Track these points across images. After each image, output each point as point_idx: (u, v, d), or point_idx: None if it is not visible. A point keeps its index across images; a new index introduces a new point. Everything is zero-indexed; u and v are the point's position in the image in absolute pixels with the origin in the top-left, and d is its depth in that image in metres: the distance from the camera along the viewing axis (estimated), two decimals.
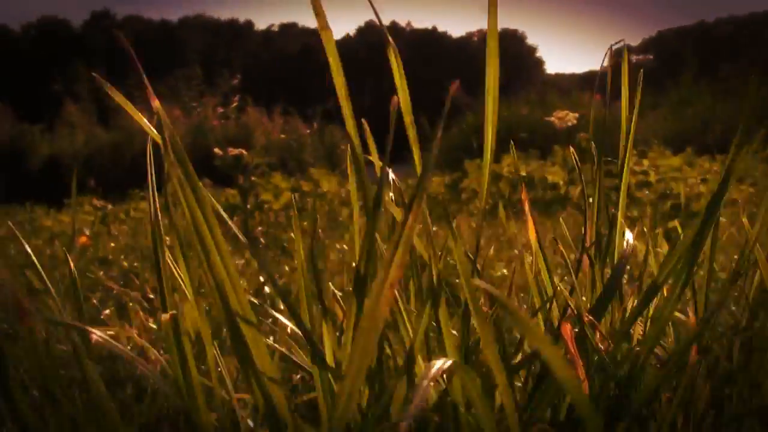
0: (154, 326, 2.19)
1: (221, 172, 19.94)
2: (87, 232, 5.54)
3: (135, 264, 3.82)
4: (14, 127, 22.30)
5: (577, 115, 6.03)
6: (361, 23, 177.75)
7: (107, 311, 2.71)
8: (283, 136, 23.23)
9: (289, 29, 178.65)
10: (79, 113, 23.01)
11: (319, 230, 4.00)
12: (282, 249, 3.69)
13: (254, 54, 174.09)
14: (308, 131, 23.78)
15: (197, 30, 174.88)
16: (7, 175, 21.75)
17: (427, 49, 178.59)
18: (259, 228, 4.18)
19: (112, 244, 4.82)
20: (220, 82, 24.88)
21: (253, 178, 4.35)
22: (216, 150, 5.00)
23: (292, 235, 4.10)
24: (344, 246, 3.20)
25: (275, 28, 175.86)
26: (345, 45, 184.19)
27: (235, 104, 24.06)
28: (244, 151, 4.37)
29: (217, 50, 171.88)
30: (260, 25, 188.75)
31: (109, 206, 7.84)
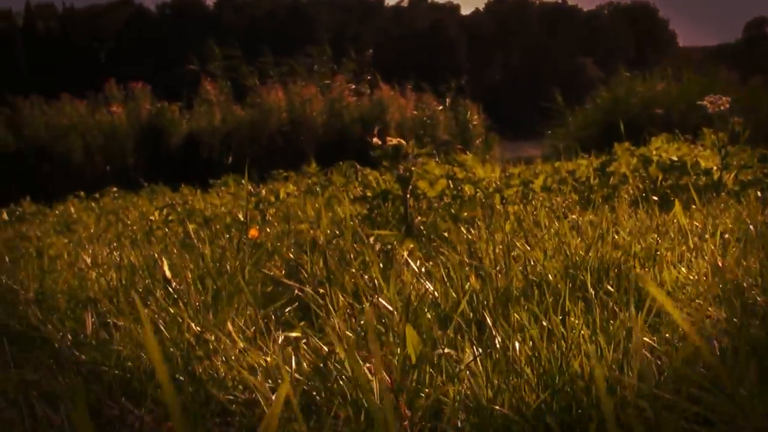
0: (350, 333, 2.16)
1: (355, 148, 20.03)
2: (240, 215, 5.56)
3: (290, 251, 3.80)
4: (153, 106, 22.74)
5: (729, 99, 5.83)
6: None
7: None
8: (416, 112, 23.18)
9: (419, 5, 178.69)
10: (216, 91, 23.33)
11: (477, 220, 3.93)
12: (443, 239, 3.62)
13: (384, 30, 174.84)
14: (440, 107, 23.67)
15: (327, 7, 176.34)
16: (147, 153, 22.25)
17: (556, 23, 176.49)
18: (419, 218, 4.12)
19: (268, 230, 4.83)
20: (349, 60, 24.90)
21: (413, 168, 4.29)
22: (374, 140, 4.94)
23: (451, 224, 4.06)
24: (505, 236, 3.13)
25: (404, 4, 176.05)
26: (474, 20, 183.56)
27: (368, 79, 24.09)
28: (402, 141, 4.30)
29: (347, 27, 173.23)
30: (390, 1, 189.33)
31: (263, 191, 7.85)
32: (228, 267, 2.90)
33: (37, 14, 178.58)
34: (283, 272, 3.18)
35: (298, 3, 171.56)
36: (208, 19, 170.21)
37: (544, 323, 1.92)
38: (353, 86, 23.85)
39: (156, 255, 3.42)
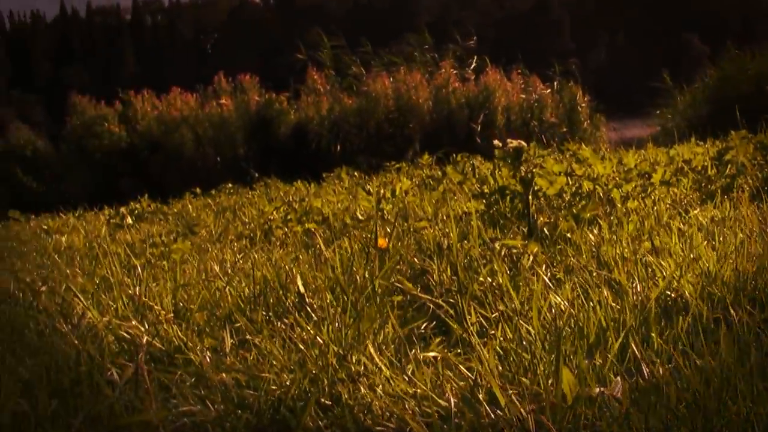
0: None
1: (462, 132, 19.96)
2: (358, 213, 5.59)
3: (415, 256, 3.79)
4: (262, 97, 22.99)
5: None
6: None
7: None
8: (523, 96, 23.02)
9: None
10: (323, 81, 23.47)
11: (599, 219, 3.88)
12: (566, 240, 3.57)
13: (486, 12, 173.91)
14: (547, 90, 23.43)
15: None
16: (257, 144, 22.52)
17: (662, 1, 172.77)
18: (540, 218, 4.09)
19: (387, 229, 4.83)
20: (455, 46, 24.80)
21: (534, 170, 4.25)
22: (495, 142, 4.91)
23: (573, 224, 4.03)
24: (629, 238, 3.07)
25: None
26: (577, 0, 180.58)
27: (473, 64, 23.97)
28: (523, 143, 4.27)
29: (449, 11, 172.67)
30: None
31: (380, 189, 7.84)
32: (358, 278, 2.92)
33: (145, 9, 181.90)
34: (410, 279, 3.18)
35: None
36: (312, 7, 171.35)
37: (690, 353, 1.86)
38: (458, 72, 23.77)
39: (287, 266, 3.45)
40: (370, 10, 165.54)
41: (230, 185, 15.09)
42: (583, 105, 23.59)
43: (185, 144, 21.97)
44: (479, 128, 21.60)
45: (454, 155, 11.52)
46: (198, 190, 15.65)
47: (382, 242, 3.18)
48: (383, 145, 21.62)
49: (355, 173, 13.32)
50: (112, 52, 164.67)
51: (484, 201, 4.87)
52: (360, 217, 5.46)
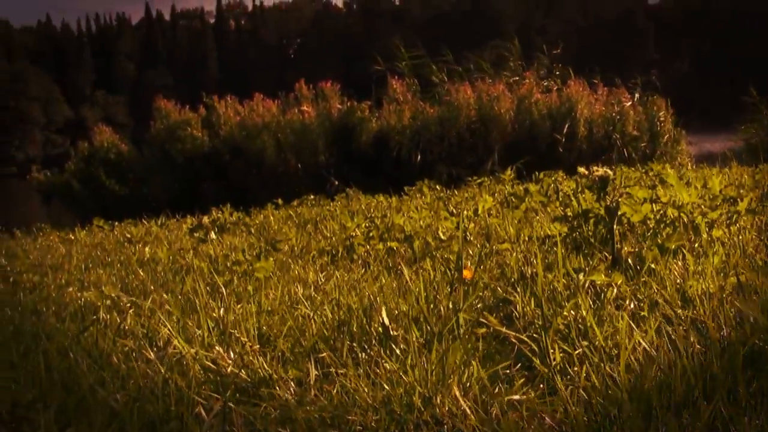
0: None
1: (544, 144, 19.85)
2: (440, 233, 5.58)
3: (498, 284, 3.76)
4: (343, 105, 23.09)
5: None
6: None
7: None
8: (605, 108, 22.81)
9: None
10: (404, 89, 23.49)
11: (683, 249, 3.82)
12: (650, 271, 3.51)
13: (570, 20, 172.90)
14: (630, 103, 23.19)
15: None
16: (338, 151, 22.63)
17: (746, 10, 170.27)
18: (625, 248, 4.05)
19: (469, 251, 4.83)
20: (541, 55, 24.67)
21: (619, 200, 4.20)
22: (580, 169, 4.89)
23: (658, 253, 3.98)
24: (713, 269, 3.01)
25: None
26: (660, 9, 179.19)
27: (557, 75, 23.85)
28: (609, 171, 4.23)
29: (533, 18, 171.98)
30: None
31: (462, 210, 7.80)
32: (442, 309, 2.93)
33: (229, 13, 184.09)
34: (493, 307, 3.18)
35: None
36: (395, 13, 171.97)
37: None
38: (543, 82, 23.67)
39: (370, 293, 3.46)
40: (453, 17, 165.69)
41: (312, 197, 15.19)
42: (665, 118, 23.31)
43: (266, 150, 22.15)
44: (561, 139, 21.49)
45: (536, 172, 11.43)
46: (280, 201, 15.82)
47: (467, 273, 3.18)
48: (464, 155, 21.61)
49: (437, 186, 13.31)
50: (196, 56, 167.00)
51: (567, 224, 4.85)
52: (442, 237, 5.46)
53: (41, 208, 24.20)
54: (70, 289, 5.23)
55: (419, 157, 21.26)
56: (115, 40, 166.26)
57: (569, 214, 4.85)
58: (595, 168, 4.43)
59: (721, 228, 4.39)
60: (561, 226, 4.94)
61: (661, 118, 23.27)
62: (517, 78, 23.83)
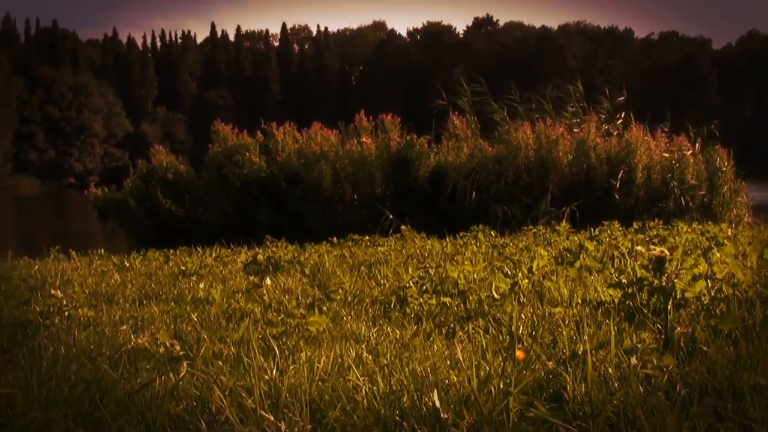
0: None
1: (601, 188, 19.74)
2: (494, 291, 5.56)
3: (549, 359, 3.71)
4: (402, 138, 23.15)
5: None
6: (743, 33, 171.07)
7: None
8: (666, 155, 22.66)
9: (669, 38, 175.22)
10: (464, 126, 23.53)
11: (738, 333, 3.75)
12: (702, 354, 3.44)
13: (633, 62, 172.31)
14: (690, 151, 23.02)
15: (576, 37, 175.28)
16: (394, 184, 22.68)
17: None
18: (678, 328, 4.00)
19: (522, 316, 4.81)
20: (603, 98, 24.58)
21: (675, 280, 4.16)
22: (639, 249, 4.87)
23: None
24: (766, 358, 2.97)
25: (654, 37, 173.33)
26: (725, 55, 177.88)
27: (620, 121, 23.75)
28: (666, 252, 4.18)
29: (596, 58, 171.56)
30: (640, 33, 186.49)
31: (510, 251, 7.74)
32: (492, 389, 2.92)
33: (293, 36, 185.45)
34: (542, 385, 3.17)
35: (548, 31, 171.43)
36: (457, 46, 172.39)
37: None
38: (603, 126, 23.59)
39: (422, 369, 3.45)
40: (516, 53, 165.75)
41: (366, 237, 15.26)
42: (725, 169, 23.11)
43: (324, 179, 22.26)
44: (617, 185, 21.38)
45: (590, 225, 11.36)
46: (335, 239, 15.96)
47: (519, 354, 3.18)
48: (519, 195, 21.57)
49: (491, 232, 13.30)
50: (258, 77, 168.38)
51: (621, 291, 4.84)
52: (495, 296, 5.45)
53: (97, 224, 24.46)
54: (124, 327, 5.29)
55: (474, 195, 21.25)
56: (179, 58, 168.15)
57: (623, 281, 4.84)
58: (652, 248, 4.36)
59: None
60: (615, 291, 4.93)
61: (722, 168, 23.08)
62: (578, 120, 23.77)
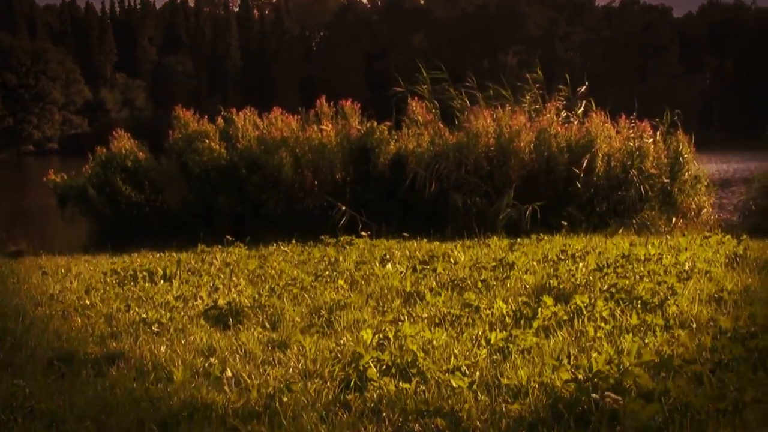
0: None
1: (561, 177, 19.83)
2: (452, 380, 5.51)
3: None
4: (362, 125, 23.03)
5: None
6: (704, 1, 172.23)
7: None
8: (627, 143, 22.67)
9: (630, 5, 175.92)
10: (424, 111, 23.44)
11: None
12: None
13: (594, 29, 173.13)
14: (651, 139, 23.01)
15: (538, 4, 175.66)
16: (355, 170, 22.65)
17: None
18: None
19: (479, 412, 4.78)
20: (563, 87, 24.47)
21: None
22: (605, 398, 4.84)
23: None
24: None
25: (615, 4, 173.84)
26: (687, 24, 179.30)
27: (581, 110, 23.72)
28: (620, 400, 4.13)
29: (557, 25, 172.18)
30: (601, 1, 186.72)
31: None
32: None
33: (253, 2, 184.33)
34: None
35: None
36: (418, 12, 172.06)
37: None
38: (563, 112, 23.60)
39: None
40: (477, 19, 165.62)
41: (327, 240, 15.24)
42: (687, 156, 23.22)
43: (284, 166, 22.14)
44: (580, 173, 21.43)
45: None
46: (288, 250, 16.14)
47: None
48: (480, 183, 21.58)
49: (452, 255, 13.16)
50: (218, 43, 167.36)
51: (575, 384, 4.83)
52: (453, 384, 5.44)
53: (57, 211, 24.13)
54: None
55: (434, 185, 21.24)
56: (138, 23, 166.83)
57: (579, 376, 4.84)
58: (607, 393, 4.29)
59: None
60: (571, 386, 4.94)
61: (683, 155, 23.17)
62: (537, 106, 23.77)
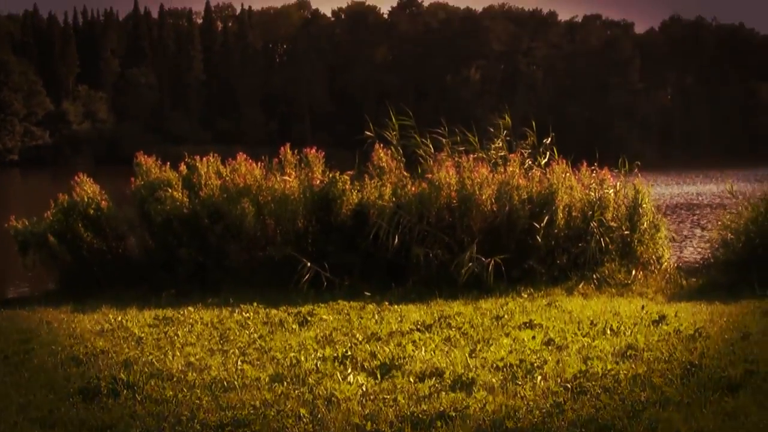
0: None
1: (522, 229, 19.95)
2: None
3: None
4: (325, 176, 23.00)
5: None
6: (666, 18, 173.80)
7: None
8: (589, 192, 22.81)
9: (593, 21, 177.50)
10: (388, 158, 23.47)
11: None
12: None
13: (556, 45, 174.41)
14: (611, 189, 23.18)
15: (501, 19, 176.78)
16: (317, 220, 22.65)
17: (733, 46, 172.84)
18: None
19: None
20: (528, 131, 24.55)
21: None
22: None
23: None
24: None
25: (578, 19, 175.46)
26: (649, 39, 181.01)
27: (544, 161, 23.81)
28: None
29: (520, 40, 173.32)
30: (563, 16, 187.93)
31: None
32: None
33: (216, 14, 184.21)
34: None
35: (472, 13, 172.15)
36: (382, 26, 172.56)
37: None
38: (527, 161, 23.75)
39: None
40: (441, 32, 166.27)
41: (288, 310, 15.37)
42: (646, 204, 23.40)
43: (247, 215, 22.09)
44: (540, 227, 21.54)
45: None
46: (252, 308, 16.30)
47: None
48: (441, 235, 21.66)
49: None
50: (181, 55, 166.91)
51: None
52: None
53: (17, 257, 23.95)
54: None
55: (396, 240, 21.27)
56: (101, 35, 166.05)
57: None
58: None
59: None
60: None
61: (642, 204, 23.34)
62: (503, 155, 23.89)
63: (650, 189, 24.47)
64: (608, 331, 13.19)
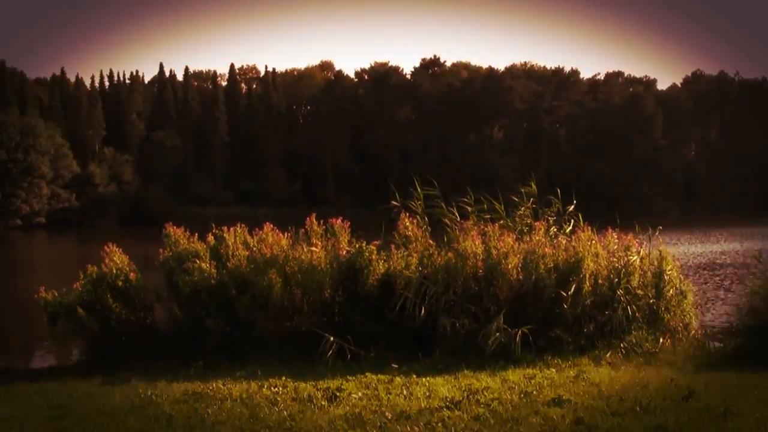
0: None
1: (549, 298, 19.95)
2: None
3: None
4: (351, 246, 23.14)
5: None
6: (689, 73, 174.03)
7: None
8: (612, 260, 22.87)
9: (615, 78, 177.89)
10: (414, 228, 23.62)
11: None
12: None
13: (579, 102, 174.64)
14: (637, 256, 23.24)
15: (523, 77, 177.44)
16: (344, 290, 22.74)
17: (757, 100, 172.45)
18: None
19: None
20: (552, 198, 24.67)
21: None
22: None
23: None
24: None
25: (600, 77, 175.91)
26: (671, 95, 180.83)
27: (569, 228, 23.92)
28: None
29: (543, 98, 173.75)
30: (586, 73, 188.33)
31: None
32: None
33: (241, 76, 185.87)
34: None
35: (494, 72, 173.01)
36: (405, 86, 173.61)
37: None
38: (552, 229, 23.83)
39: None
40: (463, 92, 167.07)
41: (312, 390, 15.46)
42: (670, 271, 23.40)
43: (274, 286, 22.23)
44: (568, 296, 21.54)
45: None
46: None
47: None
48: (468, 305, 21.70)
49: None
50: (206, 117, 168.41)
51: None
52: None
53: (47, 328, 24.15)
54: None
55: (423, 311, 21.34)
56: (126, 98, 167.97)
57: None
58: None
59: None
60: None
61: (668, 272, 23.34)
62: (528, 222, 24.00)
63: (674, 249, 24.45)
64: (637, 408, 13.18)
